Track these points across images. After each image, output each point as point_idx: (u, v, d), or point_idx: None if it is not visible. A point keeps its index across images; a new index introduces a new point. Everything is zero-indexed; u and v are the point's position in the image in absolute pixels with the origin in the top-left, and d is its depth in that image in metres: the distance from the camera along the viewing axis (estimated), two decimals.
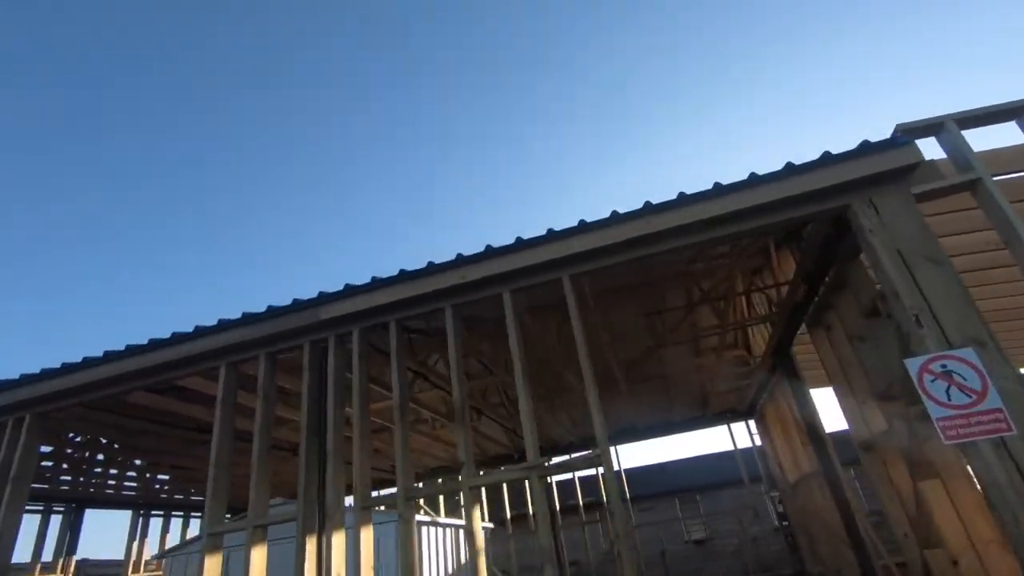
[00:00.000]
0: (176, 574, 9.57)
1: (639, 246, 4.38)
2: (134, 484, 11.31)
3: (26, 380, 5.65)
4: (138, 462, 10.05)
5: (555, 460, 4.71)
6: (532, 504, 3.75)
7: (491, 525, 14.35)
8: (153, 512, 12.52)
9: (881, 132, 4.44)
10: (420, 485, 4.87)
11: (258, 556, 4.31)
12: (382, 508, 9.87)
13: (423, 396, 8.87)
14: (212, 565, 4.40)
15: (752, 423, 12.00)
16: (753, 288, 7.50)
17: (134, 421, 7.43)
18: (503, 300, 4.55)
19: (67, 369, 5.52)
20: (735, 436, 12.25)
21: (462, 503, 14.78)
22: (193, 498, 13.47)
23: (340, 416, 4.66)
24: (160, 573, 11.92)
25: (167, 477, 11.58)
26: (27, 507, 7.01)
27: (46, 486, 9.81)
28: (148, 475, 10.87)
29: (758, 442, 12.01)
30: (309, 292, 5.11)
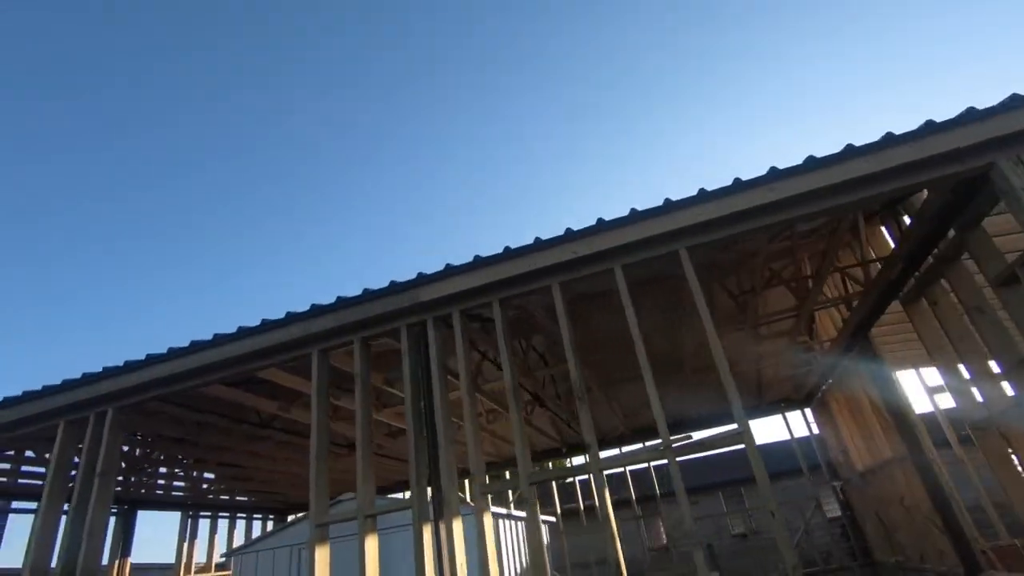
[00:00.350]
0: (246, 572, 9.47)
1: (762, 215, 4.16)
2: (182, 484, 11.23)
3: (108, 373, 5.53)
4: (185, 460, 9.94)
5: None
6: (675, 486, 3.55)
7: (552, 519, 14.06)
8: (201, 514, 12.43)
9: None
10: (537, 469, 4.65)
11: (371, 546, 4.14)
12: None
13: (485, 387, 8.69)
14: (322, 556, 4.24)
15: (809, 411, 11.69)
16: (831, 268, 7.21)
17: (201, 415, 7.32)
18: (615, 275, 4.35)
19: (151, 360, 5.40)
20: (791, 425, 11.93)
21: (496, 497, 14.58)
22: (238, 499, 13.40)
23: (446, 400, 4.48)
24: (225, 574, 11.79)
25: (213, 476, 11.49)
26: None
27: None
28: (195, 473, 10.78)
29: (815, 431, 11.71)
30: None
